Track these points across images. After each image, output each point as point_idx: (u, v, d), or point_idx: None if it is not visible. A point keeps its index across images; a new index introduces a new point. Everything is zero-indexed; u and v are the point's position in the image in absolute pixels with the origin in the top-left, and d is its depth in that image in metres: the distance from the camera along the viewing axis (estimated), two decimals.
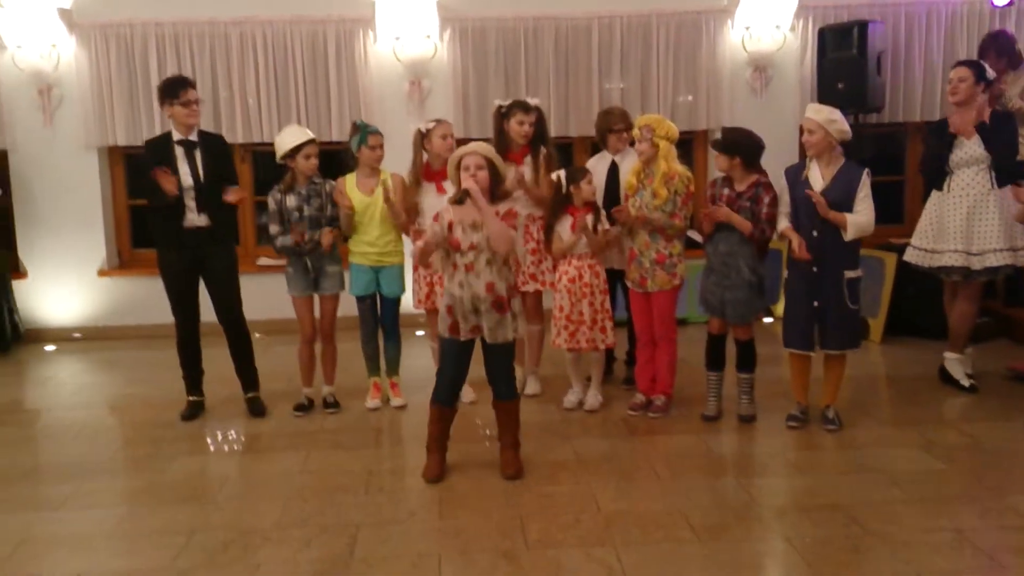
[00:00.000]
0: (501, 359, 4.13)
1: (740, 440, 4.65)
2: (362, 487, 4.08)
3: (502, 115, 5.16)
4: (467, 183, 3.94)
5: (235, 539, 3.57)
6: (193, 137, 4.95)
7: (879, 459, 4.25)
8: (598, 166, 5.34)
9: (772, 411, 4.88)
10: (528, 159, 5.14)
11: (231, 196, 4.91)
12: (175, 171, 4.86)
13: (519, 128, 5.08)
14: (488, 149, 4.08)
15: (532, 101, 5.17)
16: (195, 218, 4.93)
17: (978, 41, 6.62)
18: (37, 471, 4.45)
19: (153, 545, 3.54)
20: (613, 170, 5.30)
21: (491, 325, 4.01)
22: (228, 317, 5.14)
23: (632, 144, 5.11)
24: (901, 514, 3.63)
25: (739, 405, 4.86)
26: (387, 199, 4.89)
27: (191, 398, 5.20)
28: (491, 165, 4.04)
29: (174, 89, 4.89)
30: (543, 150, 5.14)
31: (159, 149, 4.96)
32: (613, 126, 5.33)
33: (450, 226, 4.02)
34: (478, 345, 4.14)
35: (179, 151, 4.92)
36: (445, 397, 4.17)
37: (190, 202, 4.90)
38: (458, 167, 4.04)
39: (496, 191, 4.10)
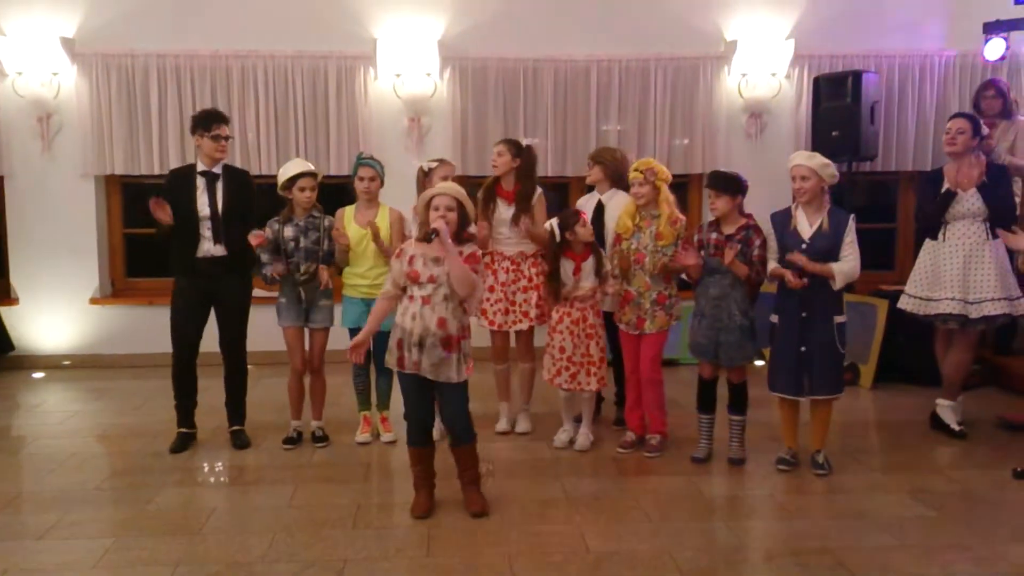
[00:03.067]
0: (451, 401, 4.10)
1: (730, 483, 4.63)
2: (350, 522, 4.05)
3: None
4: (436, 223, 3.94)
5: (221, 572, 3.54)
6: (216, 170, 5.00)
7: (869, 504, 4.24)
8: (586, 205, 5.37)
9: (762, 454, 4.87)
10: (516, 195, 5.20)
11: (253, 239, 4.88)
12: (193, 201, 4.92)
13: (495, 159, 5.17)
14: (459, 190, 4.09)
15: (524, 141, 5.20)
16: (211, 247, 4.96)
17: (971, 94, 6.75)
18: (21, 499, 4.40)
19: None
20: (599, 209, 5.32)
21: (433, 361, 3.97)
22: (231, 349, 5.14)
23: (618, 186, 5.25)
24: (892, 561, 3.62)
25: (729, 448, 4.85)
26: (375, 239, 4.96)
27: (181, 430, 5.16)
28: (460, 207, 4.04)
29: (208, 122, 4.95)
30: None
31: (180, 179, 5.03)
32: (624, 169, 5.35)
33: (411, 260, 4.03)
34: None
35: (200, 182, 4.97)
36: (416, 438, 4.17)
37: (206, 232, 4.94)
38: (427, 206, 4.05)
39: (462, 233, 4.07)
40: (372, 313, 4.20)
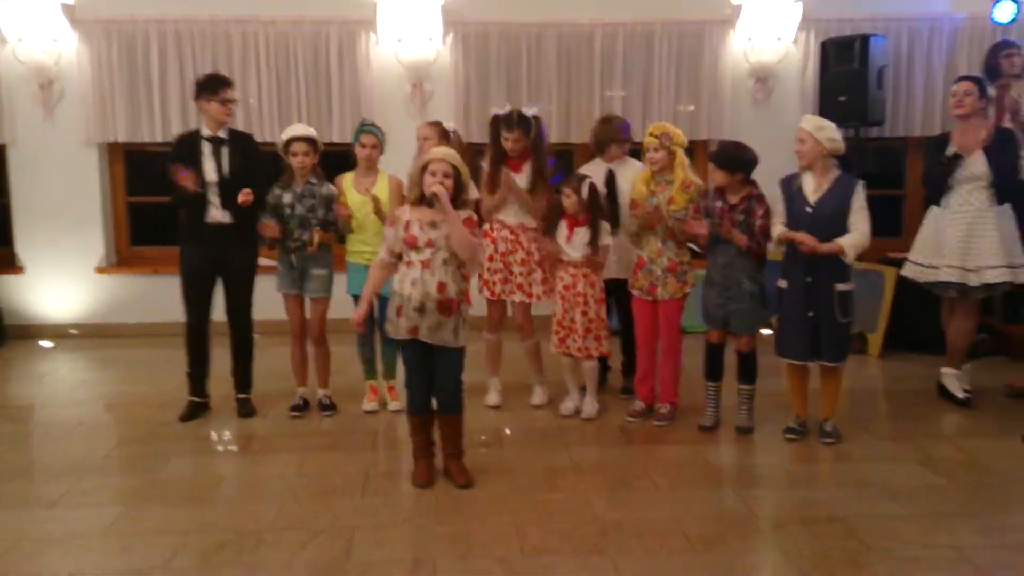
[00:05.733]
0: (445, 367, 4.09)
1: (738, 451, 4.64)
2: (358, 490, 4.07)
3: (497, 125, 5.09)
4: (435, 188, 3.92)
5: (230, 540, 3.56)
6: (222, 134, 4.96)
7: (877, 473, 4.25)
8: (595, 174, 5.27)
9: (770, 423, 4.87)
10: (526, 167, 5.09)
11: (241, 196, 4.85)
12: (200, 167, 4.88)
13: (505, 144, 5.03)
14: (454, 156, 4.06)
15: (529, 111, 5.08)
16: (218, 214, 4.92)
17: (979, 57, 6.63)
18: (32, 469, 4.42)
19: (148, 545, 3.52)
20: (611, 178, 5.26)
21: (431, 325, 3.97)
22: (238, 317, 5.14)
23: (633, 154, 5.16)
24: (900, 529, 3.63)
25: (738, 416, 4.85)
26: (377, 211, 4.94)
27: (192, 399, 5.16)
28: (456, 173, 4.00)
29: (215, 86, 4.91)
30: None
31: (187, 144, 4.97)
32: (616, 136, 5.31)
33: (407, 225, 4.02)
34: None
35: (206, 147, 4.92)
36: (416, 407, 4.18)
37: (214, 198, 4.90)
38: (423, 171, 4.02)
39: (458, 199, 4.02)
40: (368, 282, 4.21)
